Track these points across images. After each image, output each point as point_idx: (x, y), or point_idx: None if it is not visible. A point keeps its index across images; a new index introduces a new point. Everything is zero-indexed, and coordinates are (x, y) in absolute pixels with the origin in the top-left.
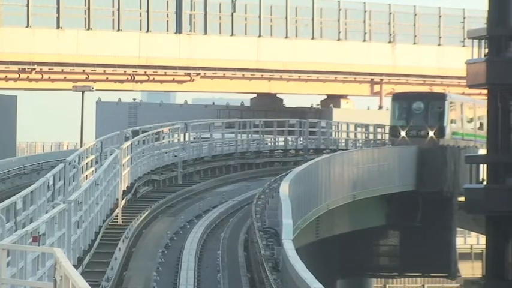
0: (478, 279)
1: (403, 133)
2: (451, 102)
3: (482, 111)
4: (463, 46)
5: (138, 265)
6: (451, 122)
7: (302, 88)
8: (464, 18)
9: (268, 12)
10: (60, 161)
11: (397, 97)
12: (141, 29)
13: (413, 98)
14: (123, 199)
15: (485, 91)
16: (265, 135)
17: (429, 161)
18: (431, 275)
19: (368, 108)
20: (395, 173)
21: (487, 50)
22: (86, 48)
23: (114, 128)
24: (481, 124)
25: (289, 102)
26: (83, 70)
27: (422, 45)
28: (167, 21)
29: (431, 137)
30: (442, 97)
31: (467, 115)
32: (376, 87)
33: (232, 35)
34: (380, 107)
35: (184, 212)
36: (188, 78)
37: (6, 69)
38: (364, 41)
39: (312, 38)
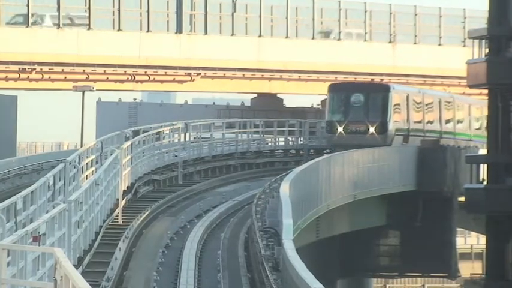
0: (478, 279)
1: (340, 129)
2: (395, 95)
3: (431, 101)
4: (464, 46)
5: (139, 265)
6: (395, 117)
7: (302, 88)
8: (464, 18)
9: (268, 12)
10: (60, 161)
11: (333, 88)
12: (141, 29)
13: (352, 90)
14: (123, 199)
15: (486, 91)
16: (265, 135)
17: (429, 161)
18: (432, 275)
19: None
20: (395, 173)
21: (487, 50)
22: (86, 48)
23: (114, 128)
24: (431, 118)
25: (290, 102)
26: (83, 70)
27: (423, 45)
28: (167, 21)
29: (372, 133)
30: (384, 89)
31: (414, 109)
32: None
33: (232, 35)
34: None
35: (184, 212)
36: (188, 78)
37: (7, 69)
38: (365, 40)
39: (313, 38)
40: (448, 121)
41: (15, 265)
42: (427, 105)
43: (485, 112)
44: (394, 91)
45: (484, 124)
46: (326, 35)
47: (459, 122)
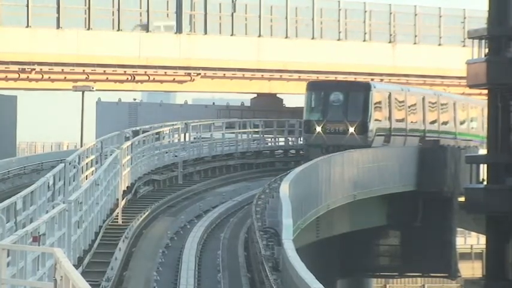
0: (478, 279)
1: (318, 129)
2: (376, 94)
3: (414, 99)
4: (464, 46)
5: (138, 265)
6: (376, 116)
7: (302, 88)
8: (464, 18)
9: (268, 12)
10: (60, 161)
11: (312, 86)
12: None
13: (331, 88)
14: (123, 199)
15: (486, 91)
16: (265, 135)
17: (429, 161)
18: (432, 275)
19: None
20: (395, 173)
21: (487, 50)
22: (86, 48)
23: (114, 128)
24: (414, 117)
25: (289, 102)
26: (83, 70)
27: (423, 45)
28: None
29: (351, 133)
30: (365, 87)
31: (396, 108)
32: None
33: (232, 35)
34: None
35: (184, 212)
36: (188, 78)
37: (6, 69)
38: (364, 41)
39: (312, 38)
40: (432, 119)
41: (15, 265)
42: (410, 103)
43: (472, 109)
44: (375, 90)
45: (470, 121)
46: None
47: (444, 120)
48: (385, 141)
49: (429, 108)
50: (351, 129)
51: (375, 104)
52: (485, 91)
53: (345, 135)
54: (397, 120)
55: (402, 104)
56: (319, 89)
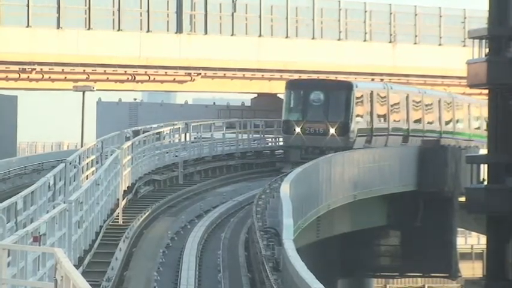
0: (478, 279)
1: (297, 129)
2: (358, 93)
3: (397, 98)
4: (464, 46)
5: (139, 265)
6: (358, 116)
7: None
8: (465, 18)
9: (268, 12)
10: (60, 161)
11: (291, 85)
12: (141, 29)
13: (311, 87)
14: (123, 199)
15: (486, 91)
16: (265, 135)
17: (430, 161)
18: (432, 275)
19: None
20: (396, 173)
21: (487, 50)
22: (87, 48)
23: (114, 128)
24: (397, 116)
25: None
26: (84, 70)
27: (423, 45)
28: (167, 21)
29: (332, 135)
30: (346, 86)
31: (379, 107)
32: None
33: (232, 34)
34: None
35: (185, 212)
36: (189, 78)
37: (7, 69)
38: (365, 41)
39: (313, 38)
40: (416, 118)
41: (16, 265)
42: (392, 102)
43: (458, 107)
44: (357, 89)
45: (455, 119)
46: None
47: (429, 118)
48: (367, 142)
49: (413, 107)
50: (332, 130)
51: (357, 103)
52: (486, 91)
53: (326, 137)
54: (379, 121)
55: (384, 103)
56: (299, 87)
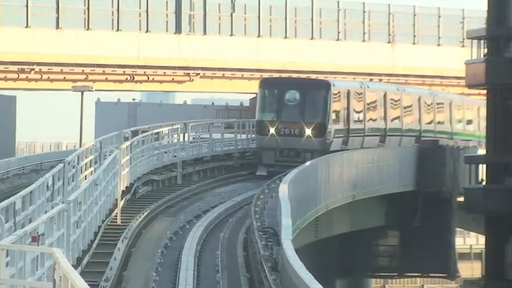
0: (477, 280)
1: (272, 130)
2: (335, 92)
3: (374, 97)
4: (462, 46)
5: (138, 265)
6: (335, 117)
7: None
8: (463, 18)
9: (267, 12)
10: (59, 161)
11: (265, 83)
12: (140, 29)
13: (286, 86)
14: (122, 199)
15: (485, 91)
16: None
17: (429, 161)
18: (431, 275)
19: None
20: (394, 173)
21: (486, 50)
22: (85, 48)
23: (113, 128)
24: (374, 115)
25: None
26: (82, 70)
27: (422, 45)
28: (166, 21)
29: (308, 136)
30: (323, 85)
31: (355, 106)
32: None
33: (231, 35)
34: None
35: (183, 212)
36: (187, 78)
37: (6, 69)
38: (364, 41)
39: (311, 38)
40: (394, 117)
41: (14, 265)
42: (369, 101)
43: (439, 104)
44: (334, 88)
45: (436, 117)
46: None
47: (408, 117)
48: (343, 144)
49: (391, 106)
50: (308, 131)
51: (334, 103)
52: (484, 91)
53: (301, 138)
54: (356, 120)
55: (361, 102)
56: (274, 86)
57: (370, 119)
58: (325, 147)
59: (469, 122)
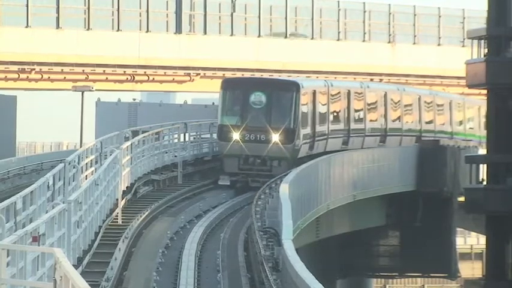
0: (478, 280)
1: (235, 136)
2: (305, 93)
3: (337, 95)
4: (463, 46)
5: (138, 265)
6: (303, 121)
7: None
8: (463, 18)
9: (267, 12)
10: (60, 161)
11: (227, 84)
12: (140, 29)
13: (251, 87)
14: (123, 199)
15: (485, 91)
16: None
17: (429, 161)
18: (432, 275)
19: None
20: (395, 173)
21: (486, 50)
22: (86, 48)
23: (113, 128)
24: (337, 116)
25: None
26: (83, 70)
27: (422, 45)
28: (167, 21)
29: (276, 142)
30: (292, 86)
31: (320, 108)
32: None
33: (231, 35)
34: None
35: (184, 212)
36: (188, 78)
37: (6, 69)
38: (364, 41)
39: (312, 38)
40: (357, 118)
41: (15, 265)
42: (333, 100)
43: (405, 100)
44: (303, 89)
45: (404, 115)
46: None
47: (372, 117)
48: (310, 148)
49: (354, 105)
50: (275, 137)
51: (303, 105)
52: (485, 91)
53: (268, 145)
54: (320, 123)
55: (325, 102)
56: (237, 87)
57: (333, 120)
58: (294, 155)
59: (460, 122)
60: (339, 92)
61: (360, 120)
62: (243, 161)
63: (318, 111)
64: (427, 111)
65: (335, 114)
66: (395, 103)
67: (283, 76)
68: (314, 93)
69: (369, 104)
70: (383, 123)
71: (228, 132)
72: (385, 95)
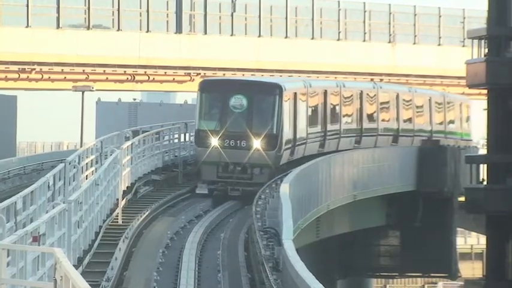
0: (478, 280)
1: (214, 141)
2: (287, 96)
3: (315, 97)
4: (463, 46)
5: (139, 265)
6: (286, 125)
7: None
8: (464, 18)
9: (268, 12)
10: (60, 161)
11: (205, 86)
12: (141, 29)
13: (231, 89)
14: (123, 199)
15: (485, 91)
16: None
17: (429, 161)
18: (432, 275)
19: None
20: (395, 173)
21: (486, 50)
22: (86, 48)
23: (114, 128)
24: (315, 118)
25: None
26: (83, 70)
27: (422, 45)
28: (167, 21)
29: (257, 149)
30: (274, 89)
31: (300, 111)
32: None
33: (232, 35)
34: None
35: (184, 212)
36: (188, 78)
37: (6, 69)
38: (364, 41)
39: (312, 38)
40: (332, 118)
41: (15, 265)
42: (311, 103)
43: (384, 98)
44: (286, 92)
45: (379, 113)
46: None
47: (347, 116)
48: (291, 154)
49: (330, 105)
50: (256, 144)
51: (285, 109)
52: (485, 91)
53: (249, 151)
54: (300, 126)
55: (304, 104)
56: (215, 89)
57: (311, 123)
58: (276, 162)
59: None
60: (315, 93)
61: (335, 121)
62: (222, 168)
63: (298, 114)
64: (405, 109)
65: (313, 116)
66: (371, 100)
67: (284, 76)
68: (295, 95)
69: (344, 103)
70: (357, 124)
71: (206, 137)
72: (361, 94)
